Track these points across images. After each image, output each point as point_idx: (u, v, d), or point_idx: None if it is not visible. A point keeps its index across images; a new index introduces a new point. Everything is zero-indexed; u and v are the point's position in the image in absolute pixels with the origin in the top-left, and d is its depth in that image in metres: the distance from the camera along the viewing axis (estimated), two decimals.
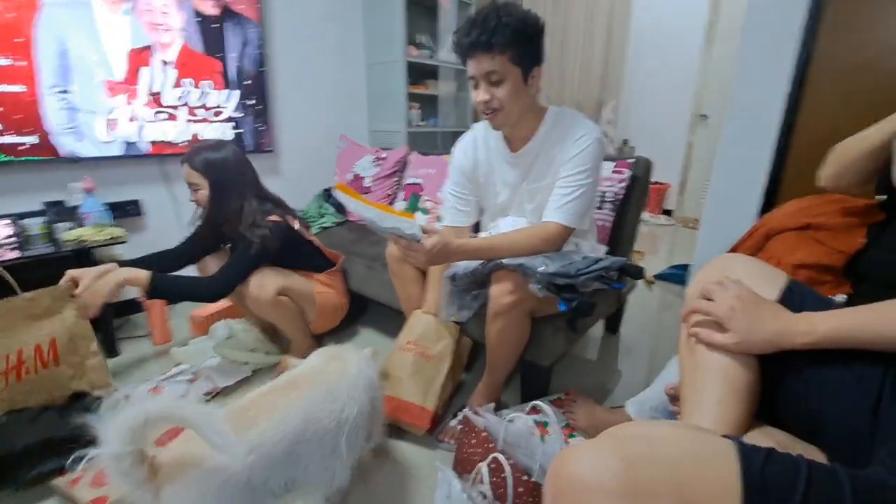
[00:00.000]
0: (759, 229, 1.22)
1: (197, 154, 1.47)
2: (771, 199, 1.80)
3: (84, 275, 1.31)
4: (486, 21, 1.02)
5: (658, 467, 0.42)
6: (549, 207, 1.17)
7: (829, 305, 0.68)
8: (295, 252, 1.63)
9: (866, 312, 0.56)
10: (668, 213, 4.32)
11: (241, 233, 1.48)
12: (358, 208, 1.03)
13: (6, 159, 1.66)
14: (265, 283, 1.48)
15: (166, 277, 1.39)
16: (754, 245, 1.20)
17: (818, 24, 1.64)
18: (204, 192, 1.49)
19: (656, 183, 4.23)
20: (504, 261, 1.09)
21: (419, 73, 2.93)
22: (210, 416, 0.67)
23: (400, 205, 1.99)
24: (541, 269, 1.03)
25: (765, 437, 0.60)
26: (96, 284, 1.29)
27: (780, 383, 0.65)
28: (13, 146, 1.67)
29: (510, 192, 1.29)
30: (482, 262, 1.14)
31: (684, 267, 2.49)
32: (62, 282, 1.31)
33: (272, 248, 1.48)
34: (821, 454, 0.58)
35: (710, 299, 0.69)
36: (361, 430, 0.93)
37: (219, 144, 1.54)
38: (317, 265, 1.71)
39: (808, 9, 1.64)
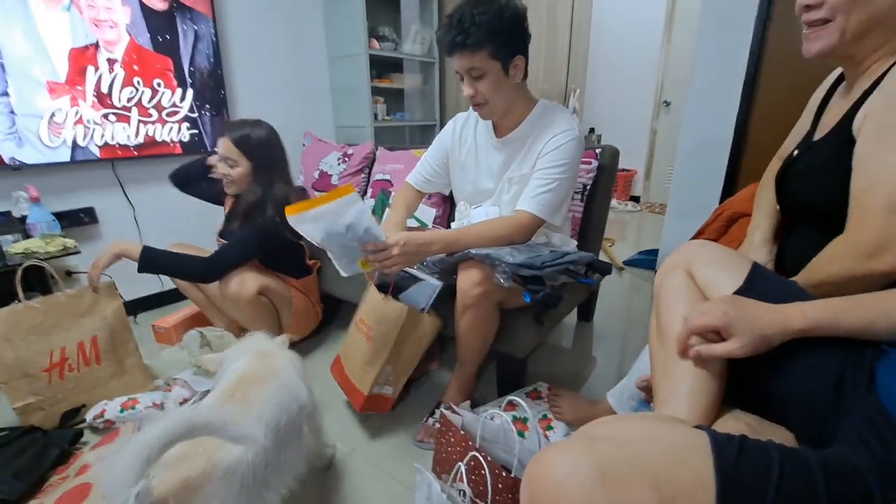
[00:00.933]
0: (723, 213, 1.25)
1: (239, 129, 1.47)
2: (733, 183, 1.86)
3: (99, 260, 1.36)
4: (461, 21, 1.05)
5: (632, 467, 0.42)
6: (523, 196, 1.18)
7: (792, 287, 0.70)
8: (286, 251, 1.61)
9: (853, 302, 0.57)
10: (635, 199, 4.41)
11: (251, 217, 1.47)
12: (309, 223, 0.97)
13: None
14: (246, 280, 1.45)
15: (159, 251, 1.40)
16: (718, 229, 1.23)
17: (771, 12, 1.69)
18: (240, 170, 1.47)
19: (623, 170, 4.31)
20: (472, 251, 1.08)
21: (383, 67, 2.87)
22: (223, 414, 0.69)
23: (369, 202, 1.95)
24: (507, 259, 1.02)
25: (735, 422, 0.61)
26: (95, 257, 1.35)
27: (747, 367, 0.66)
28: None
29: (494, 179, 1.30)
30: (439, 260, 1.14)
31: (653, 252, 2.54)
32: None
33: (275, 241, 1.48)
34: (788, 433, 0.59)
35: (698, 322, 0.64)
36: (316, 412, 0.98)
37: (258, 123, 1.52)
38: (298, 270, 1.67)
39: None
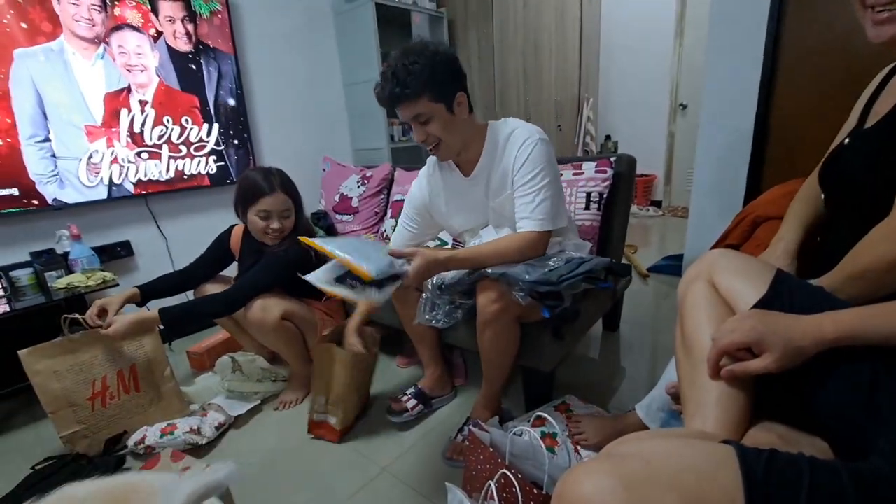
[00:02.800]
0: (746, 217, 1.23)
1: (279, 178, 1.49)
2: (756, 185, 1.82)
3: (109, 304, 1.39)
4: (395, 74, 1.07)
5: (658, 484, 0.42)
6: (518, 217, 1.18)
7: (818, 293, 0.69)
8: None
9: (884, 309, 0.56)
10: (656, 203, 4.35)
11: (272, 248, 1.51)
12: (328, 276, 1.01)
13: None
14: (269, 307, 1.47)
15: (175, 308, 1.41)
16: (742, 234, 1.21)
17: (784, 9, 1.67)
18: (293, 218, 1.52)
19: (642, 175, 4.27)
20: (488, 270, 1.09)
21: None
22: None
23: (389, 222, 1.99)
24: (524, 277, 1.03)
25: (766, 433, 0.60)
26: (116, 324, 1.35)
27: (777, 377, 0.65)
28: None
29: (482, 211, 1.30)
30: (467, 271, 1.15)
31: (678, 257, 2.50)
32: (90, 311, 1.37)
33: (298, 269, 1.48)
34: (823, 444, 0.58)
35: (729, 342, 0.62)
36: None
37: (273, 168, 1.53)
38: (321, 293, 1.69)
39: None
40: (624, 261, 2.51)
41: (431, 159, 1.35)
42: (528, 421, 1.13)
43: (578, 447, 1.19)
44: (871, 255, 0.69)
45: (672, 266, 2.56)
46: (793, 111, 1.70)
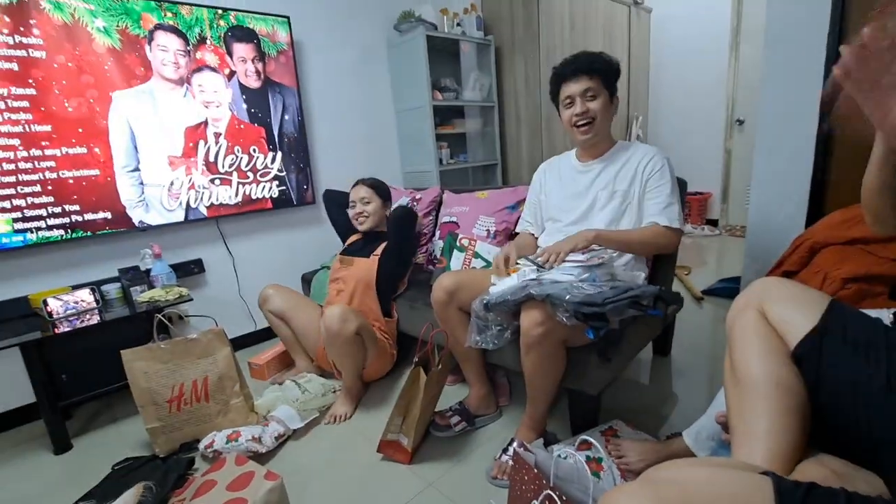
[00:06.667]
0: (804, 243, 1.19)
1: (364, 178, 1.99)
2: (818, 207, 1.73)
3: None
4: (583, 55, 1.37)
5: None
6: (650, 213, 1.33)
7: (874, 325, 0.67)
8: (399, 278, 1.94)
9: None
10: (712, 222, 4.17)
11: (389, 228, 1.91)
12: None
13: (83, 235, 1.88)
14: (350, 318, 1.58)
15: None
16: (799, 260, 1.17)
17: (846, 25, 1.61)
18: (373, 205, 1.93)
19: (696, 193, 4.13)
20: (533, 291, 1.12)
21: (445, 114, 3.06)
22: None
23: (437, 243, 2.06)
24: (567, 298, 1.05)
25: (818, 467, 0.59)
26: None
27: (839, 410, 0.64)
28: (92, 222, 1.89)
29: (581, 193, 1.45)
30: (514, 292, 1.18)
31: (735, 280, 2.39)
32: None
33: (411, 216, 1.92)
34: (878, 480, 0.56)
35: None
36: None
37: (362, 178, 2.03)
38: (388, 308, 1.87)
39: (831, 11, 1.61)
40: (676, 283, 2.43)
41: (551, 159, 1.63)
42: (574, 444, 1.14)
43: (625, 473, 1.17)
44: None
45: (729, 289, 2.45)
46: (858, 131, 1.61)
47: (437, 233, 2.12)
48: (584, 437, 1.00)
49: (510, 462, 1.19)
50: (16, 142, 1.69)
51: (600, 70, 1.34)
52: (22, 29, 1.67)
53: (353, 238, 2.08)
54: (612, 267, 1.29)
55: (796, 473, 0.59)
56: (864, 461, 0.60)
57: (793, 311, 0.72)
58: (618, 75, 1.38)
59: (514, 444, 1.15)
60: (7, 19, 1.64)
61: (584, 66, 1.34)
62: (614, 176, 1.39)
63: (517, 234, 1.72)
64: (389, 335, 1.83)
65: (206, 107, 2.12)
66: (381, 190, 1.97)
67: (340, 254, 2.00)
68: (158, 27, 1.96)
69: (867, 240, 1.02)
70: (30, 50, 1.69)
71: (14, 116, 1.67)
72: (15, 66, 1.66)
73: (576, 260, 1.24)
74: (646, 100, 4.03)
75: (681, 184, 1.56)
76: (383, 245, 1.86)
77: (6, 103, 1.66)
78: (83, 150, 1.83)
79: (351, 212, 1.95)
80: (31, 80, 1.70)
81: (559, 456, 0.98)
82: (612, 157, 1.42)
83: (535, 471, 0.95)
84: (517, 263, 1.33)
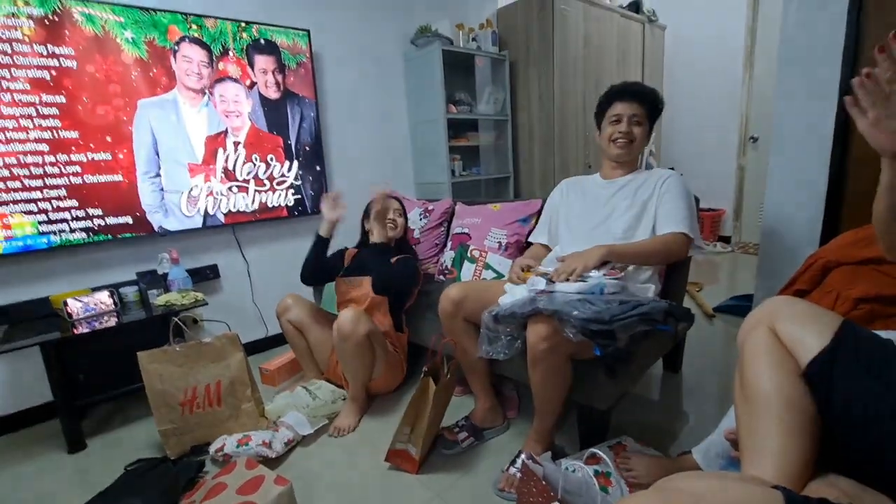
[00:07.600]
0: (816, 262, 1.19)
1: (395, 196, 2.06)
2: (832, 226, 1.72)
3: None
4: (638, 84, 1.50)
5: None
6: (663, 223, 1.39)
7: (886, 346, 0.67)
8: (407, 296, 1.90)
9: None
10: (724, 239, 4.14)
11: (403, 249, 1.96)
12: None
13: (105, 238, 1.93)
14: (361, 320, 1.59)
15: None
16: (811, 279, 1.17)
17: (860, 47, 1.62)
18: (403, 220, 2.01)
19: (709, 210, 4.11)
20: (540, 305, 1.12)
21: (459, 127, 3.10)
22: None
23: (448, 254, 2.08)
24: (575, 313, 1.06)
25: (828, 487, 0.59)
26: None
27: (850, 430, 0.64)
28: (113, 226, 1.94)
29: (600, 206, 1.51)
30: (521, 305, 1.18)
31: (748, 297, 2.37)
32: None
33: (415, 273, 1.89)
34: (889, 502, 0.56)
35: None
36: None
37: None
38: (400, 323, 1.87)
39: (846, 29, 1.62)
40: (687, 299, 2.42)
41: (575, 177, 1.71)
42: (582, 458, 1.14)
43: (634, 488, 1.17)
44: None
45: (740, 307, 2.43)
46: (873, 151, 1.61)
47: (449, 244, 2.14)
48: (593, 450, 1.00)
49: (518, 474, 1.19)
50: (44, 147, 1.75)
51: (650, 102, 1.46)
52: (56, 40, 1.74)
53: (350, 255, 2.00)
54: (626, 281, 1.29)
55: (805, 492, 0.59)
56: (874, 482, 0.59)
57: (804, 330, 0.72)
58: (660, 113, 1.51)
59: (523, 456, 1.16)
60: (42, 31, 1.71)
61: (638, 93, 1.46)
62: (634, 191, 1.47)
63: (530, 243, 1.75)
64: (401, 350, 1.84)
65: (227, 116, 2.17)
66: (405, 212, 2.07)
67: (341, 276, 1.89)
68: (183, 39, 2.03)
69: (880, 260, 1.01)
70: (62, 59, 1.76)
71: (44, 123, 1.74)
72: (47, 76, 1.73)
73: (591, 277, 1.24)
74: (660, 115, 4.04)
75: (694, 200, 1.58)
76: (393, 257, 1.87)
77: (37, 110, 1.72)
78: (108, 156, 1.89)
79: (382, 217, 1.84)
80: (61, 89, 1.77)
81: (568, 469, 0.98)
82: (634, 177, 1.51)
83: (544, 483, 0.95)
84: (530, 269, 1.37)
